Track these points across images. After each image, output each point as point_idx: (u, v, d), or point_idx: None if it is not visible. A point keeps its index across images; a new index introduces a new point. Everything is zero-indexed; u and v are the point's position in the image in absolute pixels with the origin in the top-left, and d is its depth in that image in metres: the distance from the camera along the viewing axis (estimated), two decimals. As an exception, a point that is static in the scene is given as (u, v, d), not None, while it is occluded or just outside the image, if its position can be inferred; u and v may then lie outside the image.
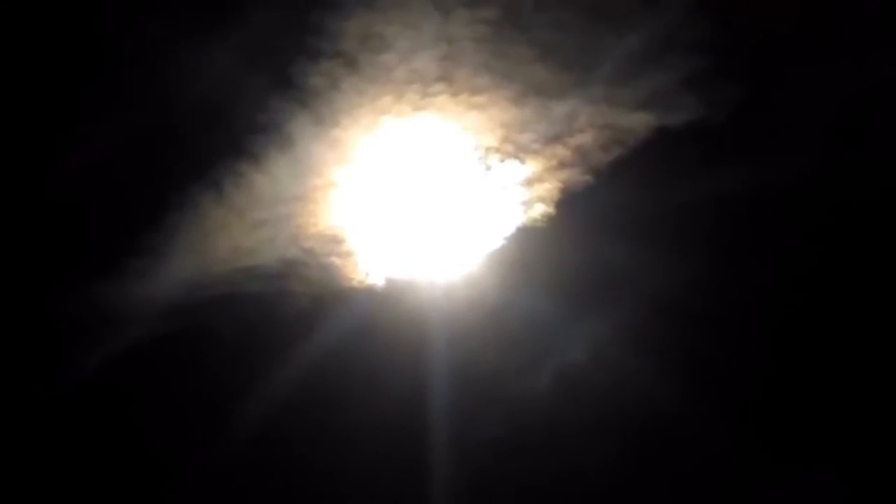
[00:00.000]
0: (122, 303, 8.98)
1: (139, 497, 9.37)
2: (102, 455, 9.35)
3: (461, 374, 9.14)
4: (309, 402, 9.16)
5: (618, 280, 9.04)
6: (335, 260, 9.10)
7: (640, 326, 9.02)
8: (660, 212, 8.83)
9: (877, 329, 8.95)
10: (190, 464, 9.28)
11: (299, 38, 8.46)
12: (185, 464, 9.28)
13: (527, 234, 9.03)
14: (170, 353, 9.21)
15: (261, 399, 9.15)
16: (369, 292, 9.16)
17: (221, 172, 8.68)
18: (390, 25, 8.44)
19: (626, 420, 9.12)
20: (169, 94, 8.61)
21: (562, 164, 8.81)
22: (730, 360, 9.02)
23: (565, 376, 9.18)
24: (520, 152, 8.82)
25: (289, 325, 9.05)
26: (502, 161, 8.87)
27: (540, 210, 8.97)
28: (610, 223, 8.94)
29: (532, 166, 8.86)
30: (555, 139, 8.75)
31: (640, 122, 8.67)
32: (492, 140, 8.80)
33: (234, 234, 8.93)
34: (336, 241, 9.08)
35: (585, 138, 8.72)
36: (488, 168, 8.91)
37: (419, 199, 9.03)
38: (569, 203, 8.88)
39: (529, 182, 8.91)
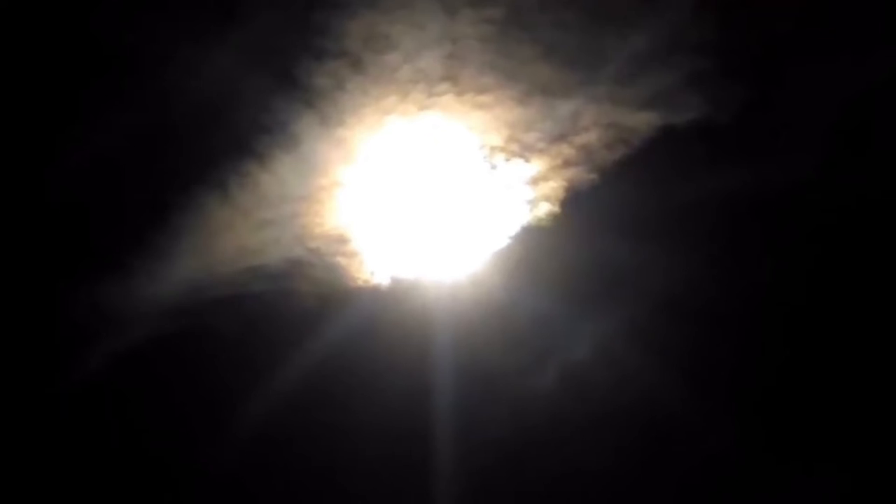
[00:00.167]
0: (126, 303, 8.97)
1: (142, 496, 9.37)
2: (106, 454, 9.35)
3: (466, 372, 9.16)
4: (314, 402, 9.17)
5: (622, 278, 9.06)
6: (340, 259, 9.10)
7: (645, 325, 9.04)
8: (664, 210, 8.85)
9: (879, 328, 9.00)
10: (195, 463, 9.29)
11: (304, 38, 8.43)
12: (190, 463, 9.30)
13: (532, 233, 9.04)
14: (174, 352, 9.20)
15: (266, 399, 9.16)
16: (375, 292, 9.17)
17: (226, 172, 8.66)
18: (395, 25, 8.42)
19: (631, 418, 9.17)
20: (174, 94, 8.58)
21: (567, 163, 8.82)
22: (734, 359, 9.06)
23: (570, 375, 9.21)
24: (525, 151, 8.82)
25: (294, 324, 9.05)
26: (507, 160, 8.87)
27: (545, 209, 8.98)
28: (615, 222, 8.96)
29: (537, 165, 8.86)
30: (560, 138, 8.76)
31: (644, 121, 8.67)
32: (497, 139, 8.80)
33: (239, 233, 8.92)
34: (341, 240, 9.08)
35: (590, 137, 8.73)
36: (493, 167, 8.92)
37: (424, 199, 9.02)
38: (574, 202, 8.89)
39: (534, 181, 8.92)
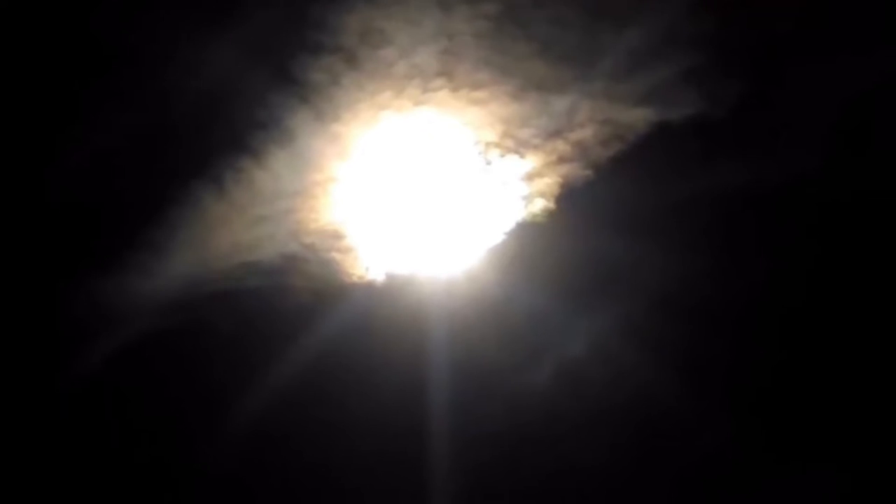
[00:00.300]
0: (122, 298, 8.99)
1: (138, 492, 9.38)
2: (102, 450, 9.36)
3: (461, 368, 9.15)
4: (309, 398, 9.17)
5: (618, 275, 9.05)
6: (335, 255, 9.11)
7: (640, 321, 9.03)
8: (660, 207, 8.84)
9: (877, 326, 8.97)
10: (190, 459, 9.30)
11: (299, 34, 8.43)
12: (185, 459, 9.31)
13: (527, 230, 9.03)
14: (169, 348, 9.21)
15: (261, 394, 9.17)
16: (370, 287, 9.17)
17: (222, 168, 8.67)
18: (390, 20, 8.42)
19: (626, 415, 9.15)
20: (169, 90, 8.60)
21: (562, 160, 8.81)
22: (730, 356, 9.04)
23: (565, 371, 9.19)
24: (520, 147, 8.82)
25: (289, 320, 9.05)
26: (502, 156, 8.87)
27: (540, 205, 8.97)
28: (610, 218, 8.95)
29: (532, 161, 8.86)
30: (555, 134, 8.75)
31: (640, 117, 8.66)
32: (492, 135, 8.80)
33: (234, 229, 8.93)
34: (336, 236, 9.08)
35: (585, 133, 8.72)
36: (488, 163, 8.91)
37: (419, 195, 9.02)
38: (569, 198, 8.88)
39: (529, 177, 8.91)
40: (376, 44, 8.49)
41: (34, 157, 8.94)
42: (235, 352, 9.18)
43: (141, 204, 8.88)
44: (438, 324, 9.15)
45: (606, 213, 8.91)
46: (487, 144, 8.84)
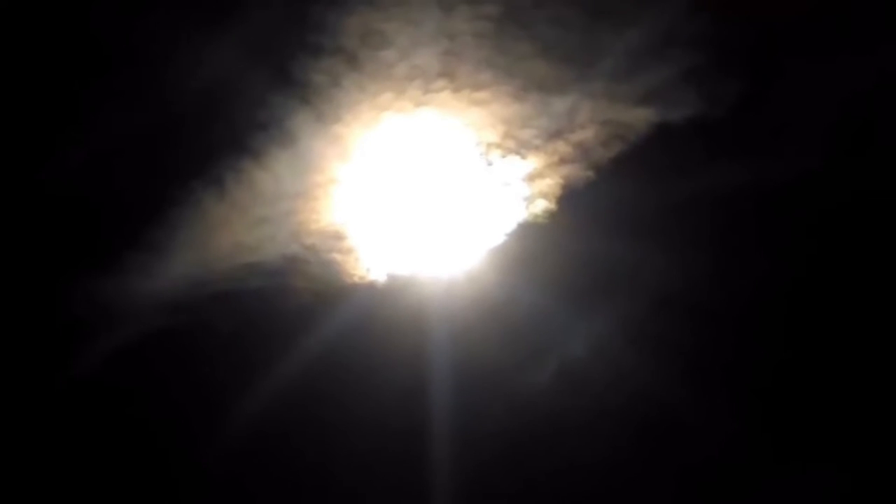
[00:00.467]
0: (122, 299, 8.99)
1: (138, 490, 9.38)
2: (102, 449, 9.36)
3: (463, 369, 9.16)
4: (310, 398, 9.18)
5: (619, 275, 9.06)
6: (336, 256, 9.11)
7: (642, 321, 9.05)
8: (661, 207, 8.84)
9: (879, 325, 8.98)
10: (191, 458, 9.31)
11: (300, 35, 8.42)
12: (185, 458, 9.32)
13: (528, 230, 9.03)
14: (170, 348, 9.21)
15: (262, 394, 9.17)
16: (371, 288, 9.17)
17: (222, 169, 8.66)
18: (391, 22, 8.42)
19: (628, 415, 9.16)
20: (170, 91, 8.58)
21: (563, 160, 8.81)
22: (732, 356, 9.06)
23: (567, 371, 9.21)
24: (521, 148, 8.82)
25: (290, 320, 9.06)
26: (504, 157, 8.87)
27: (541, 206, 8.97)
28: (611, 219, 8.95)
29: (533, 162, 8.86)
30: (556, 135, 8.75)
31: (641, 117, 8.66)
32: (493, 136, 8.80)
33: (235, 230, 8.93)
34: (337, 237, 9.08)
35: (586, 134, 8.72)
36: (490, 164, 8.91)
37: (420, 196, 9.02)
38: (570, 199, 8.88)
39: (531, 178, 8.91)
40: (377, 45, 8.48)
41: (35, 157, 8.92)
42: (236, 352, 9.19)
43: (141, 204, 8.87)
44: (439, 324, 9.16)
45: (607, 214, 8.92)
46: (489, 145, 8.84)
